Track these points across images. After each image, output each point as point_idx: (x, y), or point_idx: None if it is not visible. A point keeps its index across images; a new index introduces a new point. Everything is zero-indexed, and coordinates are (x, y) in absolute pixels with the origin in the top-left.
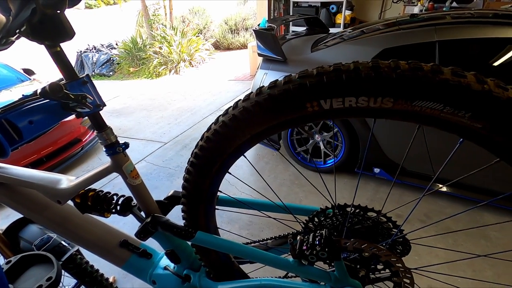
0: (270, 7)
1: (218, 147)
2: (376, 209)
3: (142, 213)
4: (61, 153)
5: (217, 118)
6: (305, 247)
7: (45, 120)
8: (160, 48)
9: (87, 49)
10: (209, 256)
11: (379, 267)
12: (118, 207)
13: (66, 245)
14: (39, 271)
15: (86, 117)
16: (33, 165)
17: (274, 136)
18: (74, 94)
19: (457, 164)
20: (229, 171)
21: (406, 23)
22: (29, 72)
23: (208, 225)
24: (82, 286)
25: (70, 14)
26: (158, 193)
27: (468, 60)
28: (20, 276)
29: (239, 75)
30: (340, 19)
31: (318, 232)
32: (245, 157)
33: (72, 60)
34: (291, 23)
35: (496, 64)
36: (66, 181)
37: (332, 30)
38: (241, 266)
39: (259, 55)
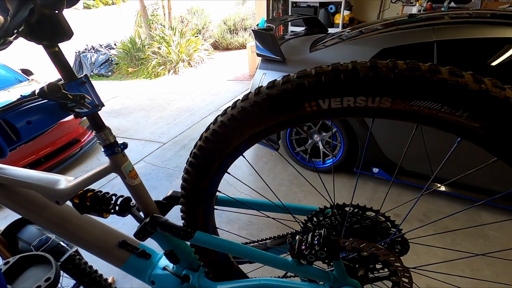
0: (269, 7)
1: (217, 147)
2: (374, 209)
3: (141, 214)
4: (59, 153)
5: (216, 118)
6: (304, 247)
7: (43, 120)
8: (159, 48)
9: (85, 49)
10: (208, 256)
11: (378, 266)
12: (117, 208)
13: (65, 245)
14: (37, 272)
15: (85, 118)
16: (32, 165)
17: (273, 136)
18: (72, 94)
19: (455, 163)
20: (228, 171)
21: (405, 23)
22: (27, 72)
23: (207, 225)
24: (81, 286)
25: (68, 14)
26: (157, 194)
27: (466, 60)
28: (18, 277)
29: (238, 75)
30: (338, 19)
31: (317, 231)
32: (244, 157)
33: (71, 61)
34: (289, 23)
35: (494, 64)
36: (65, 181)
37: (330, 30)
38: (240, 266)
39: (258, 55)
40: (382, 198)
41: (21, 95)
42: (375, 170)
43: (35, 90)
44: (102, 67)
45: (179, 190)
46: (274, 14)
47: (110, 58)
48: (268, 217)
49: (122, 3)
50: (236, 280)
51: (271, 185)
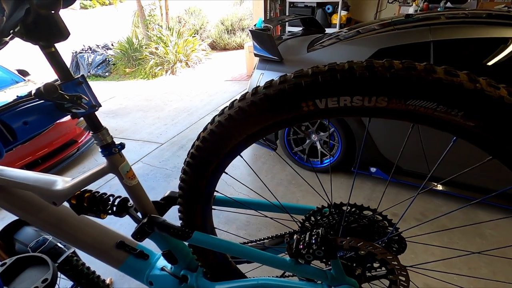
0: (266, 7)
1: (214, 147)
2: (372, 208)
3: (139, 214)
4: (56, 154)
5: (213, 118)
6: (301, 246)
7: (40, 121)
8: (156, 48)
9: (82, 49)
10: (206, 256)
11: (375, 265)
12: (115, 208)
13: (62, 247)
14: (34, 273)
15: (82, 118)
16: (28, 166)
17: (271, 136)
18: (69, 95)
19: (452, 162)
20: (226, 171)
21: (401, 23)
22: (23, 73)
23: (205, 225)
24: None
25: (65, 14)
26: (155, 194)
27: (462, 60)
28: (15, 278)
29: (235, 76)
30: (336, 19)
31: (314, 231)
32: (242, 157)
33: (68, 61)
34: (287, 23)
35: (490, 63)
36: (62, 182)
37: (328, 30)
38: (238, 266)
39: (256, 55)
40: (380, 198)
41: (17, 96)
42: (373, 169)
43: (31, 91)
44: (99, 67)
45: (177, 190)
46: (272, 14)
47: (107, 59)
48: (266, 216)
49: (119, 3)
50: (234, 280)
51: (269, 185)
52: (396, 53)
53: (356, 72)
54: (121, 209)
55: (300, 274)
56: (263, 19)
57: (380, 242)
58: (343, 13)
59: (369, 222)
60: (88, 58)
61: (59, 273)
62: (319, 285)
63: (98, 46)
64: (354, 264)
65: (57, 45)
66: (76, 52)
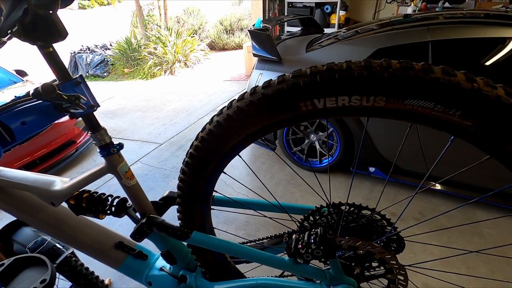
0: (265, 7)
1: (213, 147)
2: (370, 208)
3: (138, 214)
4: (55, 155)
5: (212, 118)
6: (300, 246)
7: (38, 121)
8: (155, 48)
9: (81, 50)
10: (205, 256)
11: (374, 264)
12: (113, 208)
13: (61, 247)
14: (33, 274)
15: (80, 118)
16: (27, 167)
17: (269, 136)
18: (67, 95)
19: (451, 162)
20: (224, 171)
21: (400, 23)
22: (21, 73)
23: (204, 225)
24: None
25: (63, 14)
26: (154, 194)
27: (460, 60)
28: (13, 279)
29: (234, 76)
30: (334, 19)
31: (313, 230)
32: (240, 156)
33: (66, 61)
34: (286, 23)
35: (488, 63)
36: (60, 182)
37: (326, 30)
38: (237, 265)
39: (254, 55)
40: (379, 197)
41: (15, 96)
42: (372, 169)
43: (29, 91)
44: (97, 67)
45: (176, 190)
46: (270, 14)
47: (105, 59)
48: (265, 216)
49: (118, 4)
50: (233, 280)
51: (268, 185)
52: (395, 53)
53: (354, 72)
54: (120, 210)
55: (299, 273)
56: (261, 19)
57: (378, 242)
58: (342, 13)
59: (368, 221)
60: (86, 58)
61: (57, 274)
62: (318, 284)
63: (96, 46)
64: (353, 264)
65: (55, 45)
66: (74, 52)
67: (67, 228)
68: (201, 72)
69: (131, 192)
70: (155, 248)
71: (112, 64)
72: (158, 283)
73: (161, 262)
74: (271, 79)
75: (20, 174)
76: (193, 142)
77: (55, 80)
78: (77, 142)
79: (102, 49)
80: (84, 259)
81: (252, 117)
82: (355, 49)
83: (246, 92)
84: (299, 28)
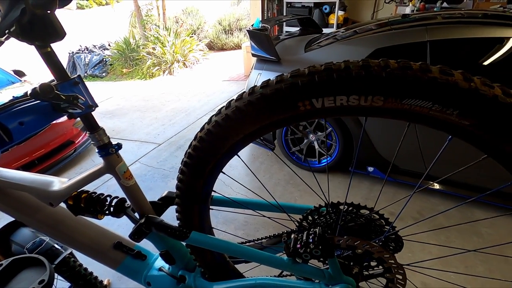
0: (264, 7)
1: (212, 146)
2: (369, 207)
3: (136, 214)
4: (53, 155)
5: (210, 118)
6: (299, 245)
7: (36, 121)
8: (154, 48)
9: (79, 50)
10: (204, 256)
11: (373, 264)
12: (112, 209)
13: (59, 248)
14: (31, 274)
15: (79, 119)
16: (25, 167)
17: (268, 136)
18: (65, 95)
19: (449, 161)
20: (223, 171)
21: (398, 23)
22: (19, 73)
23: (203, 225)
24: None
25: (62, 14)
26: (153, 195)
27: (458, 60)
28: (11, 279)
29: (233, 76)
30: (333, 19)
31: (312, 230)
32: (239, 156)
33: (64, 61)
34: (284, 23)
35: (485, 63)
36: (59, 183)
37: (325, 30)
38: (236, 265)
39: (253, 55)
40: (377, 197)
41: (13, 96)
42: (370, 169)
43: (27, 91)
44: (96, 67)
45: (175, 190)
46: (269, 14)
47: (104, 59)
48: (264, 216)
49: (116, 4)
50: (232, 280)
51: (267, 185)
52: (393, 53)
53: (352, 72)
54: (119, 210)
55: (298, 273)
56: (260, 19)
57: (377, 241)
58: (340, 13)
59: (366, 221)
60: (85, 59)
61: (56, 274)
62: (316, 284)
63: (95, 46)
64: (352, 263)
65: (53, 45)
66: (73, 52)
67: (66, 229)
68: (200, 72)
69: (129, 192)
70: (154, 248)
71: (111, 64)
72: (157, 283)
73: (160, 262)
74: (269, 79)
75: (18, 175)
76: (191, 142)
77: (53, 80)
78: (76, 142)
79: (101, 49)
80: (83, 259)
81: (250, 117)
82: (354, 49)
83: (244, 92)
84: (298, 28)
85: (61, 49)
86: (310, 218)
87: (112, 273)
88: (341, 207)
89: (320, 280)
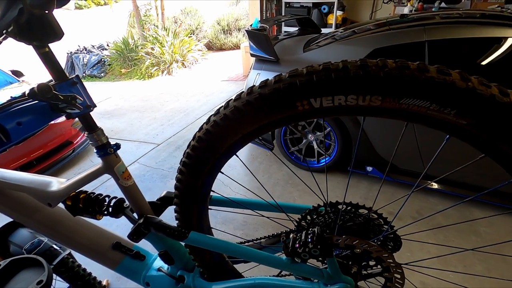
0: (262, 7)
1: (210, 146)
2: (367, 207)
3: (135, 215)
4: (51, 155)
5: (209, 118)
6: (297, 245)
7: (34, 121)
8: (152, 49)
9: (77, 50)
10: (203, 256)
11: (371, 263)
12: (110, 209)
13: (58, 248)
14: (29, 275)
15: (77, 119)
16: (23, 168)
17: (267, 136)
18: (63, 95)
19: (447, 161)
20: (222, 171)
21: (396, 23)
22: (17, 73)
23: (202, 225)
24: None
25: (60, 14)
26: (152, 195)
27: (457, 59)
28: (9, 280)
29: (232, 76)
30: (331, 19)
31: (310, 230)
32: (237, 156)
33: (62, 62)
34: (283, 23)
35: (483, 63)
36: (57, 183)
37: (324, 30)
38: (235, 265)
39: (252, 55)
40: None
41: (11, 97)
42: (369, 168)
43: (25, 91)
44: (94, 68)
45: (173, 191)
46: (268, 15)
47: (102, 59)
48: (263, 216)
49: (115, 4)
50: (231, 279)
51: (266, 185)
52: (392, 53)
53: (350, 71)
54: (117, 210)
55: (297, 272)
56: (259, 19)
57: (375, 240)
58: (339, 13)
59: (365, 220)
60: (83, 59)
61: (54, 275)
62: (315, 283)
63: (93, 46)
64: (350, 262)
65: (51, 45)
66: (71, 52)
67: (64, 229)
68: (198, 72)
69: (128, 193)
70: (152, 248)
71: (109, 65)
72: (156, 284)
73: (158, 263)
74: (267, 79)
75: (16, 175)
76: (190, 142)
77: (51, 81)
78: (74, 142)
79: (99, 49)
80: (82, 260)
81: (249, 117)
82: (352, 49)
83: (243, 91)
84: (297, 28)
85: (60, 49)
86: (308, 217)
87: (111, 273)
88: (340, 206)
89: (319, 279)
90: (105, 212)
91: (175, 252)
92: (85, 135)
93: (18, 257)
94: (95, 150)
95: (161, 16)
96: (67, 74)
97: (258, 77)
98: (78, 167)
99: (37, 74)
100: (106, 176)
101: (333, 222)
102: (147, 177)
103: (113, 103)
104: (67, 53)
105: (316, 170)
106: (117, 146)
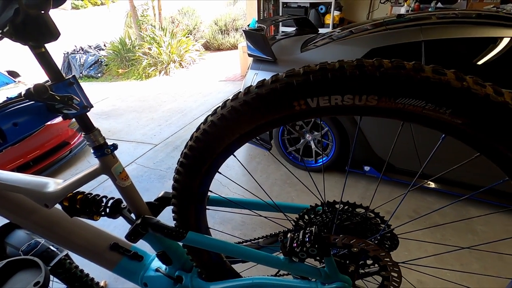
0: (260, 7)
1: (207, 146)
2: (364, 206)
3: (132, 215)
4: (48, 156)
5: (206, 118)
6: (295, 244)
7: (30, 122)
8: (149, 49)
9: (74, 50)
10: (200, 257)
11: (368, 262)
12: (108, 210)
13: (55, 249)
14: (26, 276)
15: (74, 120)
16: (20, 169)
17: (265, 136)
18: (60, 96)
19: (444, 160)
20: (220, 171)
21: (393, 23)
22: (13, 74)
23: (199, 225)
24: None
25: (56, 14)
26: (150, 195)
27: (453, 59)
28: (6, 281)
29: (229, 76)
30: (329, 19)
31: (308, 229)
32: (235, 156)
33: (59, 62)
34: (280, 23)
35: (479, 62)
36: (54, 184)
37: (321, 31)
38: (233, 265)
39: (249, 55)
40: (375, 196)
41: (7, 97)
42: (367, 168)
43: (21, 92)
44: (91, 68)
45: (171, 191)
46: (265, 15)
47: (99, 59)
48: (261, 216)
49: (111, 4)
50: (229, 279)
51: (264, 185)
52: (388, 53)
53: (347, 71)
54: (115, 211)
55: (294, 272)
56: (256, 19)
57: (372, 239)
58: (336, 13)
59: (362, 219)
60: (80, 59)
61: (52, 276)
62: (313, 282)
63: (90, 46)
64: (348, 262)
65: (47, 45)
66: (67, 53)
67: (61, 230)
68: (196, 73)
69: (125, 193)
70: (150, 249)
71: (106, 65)
72: (154, 284)
73: (156, 263)
74: (264, 79)
75: (12, 176)
76: (187, 142)
77: (47, 81)
78: (71, 143)
79: (96, 49)
80: (79, 261)
81: (246, 117)
82: (350, 49)
83: (240, 91)
84: (294, 28)
85: (56, 50)
86: (306, 217)
87: (108, 274)
88: (337, 206)
89: (316, 278)
90: (103, 213)
91: (173, 252)
92: (82, 135)
93: (15, 258)
94: (92, 151)
95: (158, 16)
96: (64, 74)
97: (255, 77)
98: (75, 168)
99: (34, 74)
100: (104, 176)
101: (330, 221)
102: (144, 177)
103: (110, 104)
104: (64, 54)
105: (314, 170)
106: (114, 146)
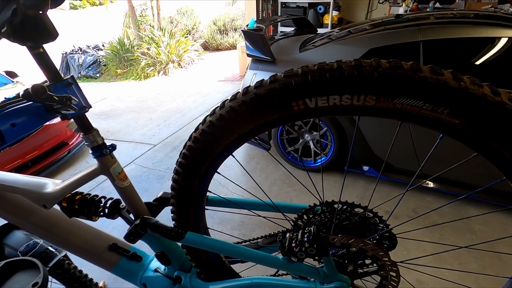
0: (259, 7)
1: (206, 147)
2: (363, 206)
3: (131, 216)
4: (47, 157)
5: (205, 118)
6: (294, 244)
7: (29, 122)
8: (148, 49)
9: (72, 50)
10: (199, 257)
11: (367, 261)
12: (106, 210)
13: (53, 250)
14: (24, 277)
15: (73, 120)
16: (18, 169)
17: (264, 136)
18: (58, 96)
19: (442, 160)
20: (218, 171)
21: (392, 23)
22: (12, 74)
23: (198, 225)
24: None
25: (54, 15)
26: (148, 196)
27: (451, 59)
28: (4, 282)
29: (228, 76)
30: (327, 19)
31: (306, 229)
32: (234, 156)
33: (57, 62)
34: (279, 23)
35: (477, 62)
36: (52, 185)
37: (320, 31)
38: (232, 265)
39: (248, 55)
40: (373, 196)
41: (5, 98)
42: (365, 168)
43: (19, 92)
44: (90, 68)
45: (170, 191)
46: (264, 15)
47: (98, 60)
48: (260, 216)
49: (110, 4)
50: (228, 280)
51: (263, 185)
52: (387, 53)
53: (345, 72)
54: (113, 211)
55: (293, 272)
56: (255, 20)
57: (371, 239)
58: (335, 13)
59: (361, 219)
60: (78, 59)
61: (50, 277)
62: (312, 282)
63: (88, 47)
64: (346, 261)
65: (45, 45)
66: (66, 53)
67: (60, 231)
68: (195, 73)
69: (124, 194)
70: (149, 249)
71: (105, 65)
72: (153, 285)
73: (155, 263)
74: (263, 79)
75: (11, 177)
76: (186, 142)
77: (45, 81)
78: (70, 144)
79: (95, 49)
80: (78, 262)
81: (244, 117)
82: (348, 49)
83: (238, 92)
84: (293, 28)
85: (54, 50)
86: (305, 217)
87: (107, 275)
88: (336, 205)
89: (315, 278)
90: (101, 213)
91: (172, 252)
92: (81, 136)
93: (13, 259)
94: (90, 151)
95: (157, 16)
96: (62, 74)
97: (254, 77)
98: (74, 168)
99: (32, 75)
100: (102, 177)
101: (329, 221)
102: (143, 178)
103: (108, 104)
104: (62, 54)
105: (313, 170)
106: (113, 147)
